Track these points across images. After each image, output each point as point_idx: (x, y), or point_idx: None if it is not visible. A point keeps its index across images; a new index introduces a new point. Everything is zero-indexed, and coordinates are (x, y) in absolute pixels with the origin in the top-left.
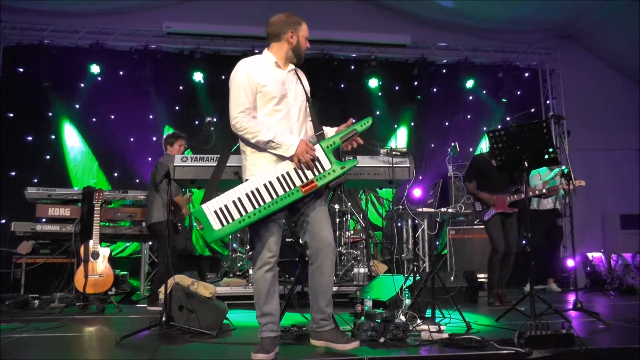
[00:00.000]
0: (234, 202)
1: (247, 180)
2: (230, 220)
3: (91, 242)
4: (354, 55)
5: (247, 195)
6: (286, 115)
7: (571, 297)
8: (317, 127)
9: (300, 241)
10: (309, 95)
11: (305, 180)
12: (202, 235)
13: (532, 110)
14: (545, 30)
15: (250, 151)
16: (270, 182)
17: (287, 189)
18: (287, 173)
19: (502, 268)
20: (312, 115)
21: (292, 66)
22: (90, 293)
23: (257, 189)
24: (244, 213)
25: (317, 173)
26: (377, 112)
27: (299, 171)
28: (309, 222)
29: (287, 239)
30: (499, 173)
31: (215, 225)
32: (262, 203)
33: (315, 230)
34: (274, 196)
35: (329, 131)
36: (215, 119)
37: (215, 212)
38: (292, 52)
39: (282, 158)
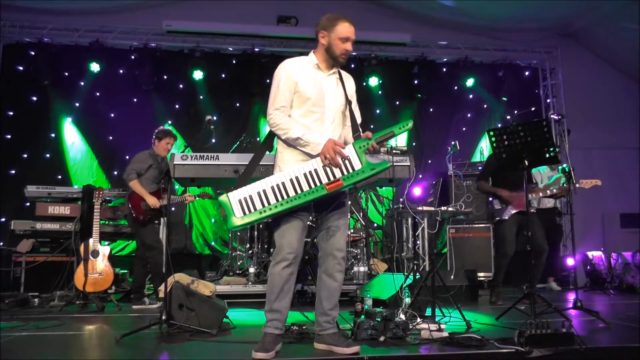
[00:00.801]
0: (258, 193)
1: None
2: (252, 210)
3: (91, 241)
4: (354, 53)
5: (272, 187)
6: (320, 117)
7: (571, 296)
8: (355, 129)
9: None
10: (350, 99)
11: (332, 178)
12: (202, 233)
13: (533, 109)
14: (545, 29)
15: (281, 147)
16: (296, 177)
17: (313, 185)
18: (315, 170)
19: (533, 268)
20: (352, 118)
21: (335, 69)
22: (90, 291)
23: (283, 183)
24: (266, 204)
25: (345, 172)
26: (378, 111)
27: (327, 169)
28: (328, 227)
29: None
30: (516, 171)
31: (238, 213)
32: (285, 196)
33: (330, 237)
34: (298, 191)
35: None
36: (215, 118)
37: (240, 200)
38: (327, 54)
39: (312, 157)
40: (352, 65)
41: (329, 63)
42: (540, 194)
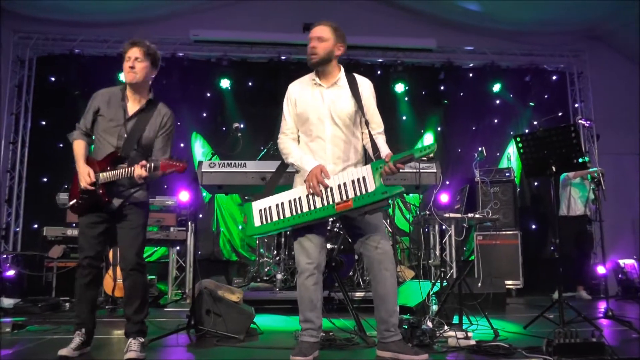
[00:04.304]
0: (277, 205)
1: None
2: (269, 220)
3: None
4: (380, 60)
5: (289, 201)
6: (320, 135)
7: (602, 305)
8: (375, 148)
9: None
10: (365, 108)
11: (344, 198)
12: (229, 240)
13: (560, 114)
14: (572, 32)
15: (295, 172)
16: (312, 193)
17: (325, 203)
18: (330, 188)
19: None
20: (370, 136)
21: (340, 78)
22: (118, 296)
23: (300, 197)
24: (281, 216)
25: (358, 193)
26: (404, 117)
27: (342, 188)
28: (361, 233)
29: None
30: None
31: (257, 222)
32: (299, 211)
33: (368, 241)
34: (312, 207)
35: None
36: (242, 125)
37: (260, 210)
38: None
39: None
40: (379, 72)
41: (325, 74)
42: None
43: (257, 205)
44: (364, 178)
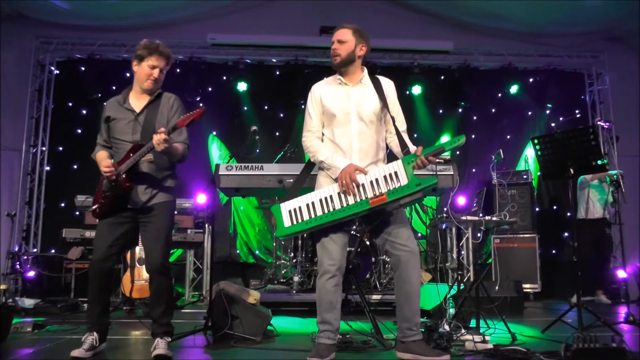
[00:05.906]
0: (307, 205)
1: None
2: (299, 220)
3: (137, 249)
4: (396, 62)
5: (320, 200)
6: (346, 131)
7: (622, 310)
8: (403, 145)
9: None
10: (388, 103)
11: (377, 193)
12: (246, 242)
13: (578, 115)
14: (590, 33)
15: (319, 172)
16: (344, 191)
17: (358, 199)
18: (363, 185)
19: None
20: (397, 132)
21: (364, 77)
22: (136, 298)
23: (331, 196)
24: (312, 215)
25: (391, 187)
26: (421, 120)
27: (374, 184)
28: (387, 231)
29: None
30: None
31: (287, 222)
32: (331, 209)
33: (395, 239)
34: (344, 204)
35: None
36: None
37: (290, 211)
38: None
39: None
40: (395, 74)
41: (349, 74)
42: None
43: (286, 207)
44: (395, 173)
